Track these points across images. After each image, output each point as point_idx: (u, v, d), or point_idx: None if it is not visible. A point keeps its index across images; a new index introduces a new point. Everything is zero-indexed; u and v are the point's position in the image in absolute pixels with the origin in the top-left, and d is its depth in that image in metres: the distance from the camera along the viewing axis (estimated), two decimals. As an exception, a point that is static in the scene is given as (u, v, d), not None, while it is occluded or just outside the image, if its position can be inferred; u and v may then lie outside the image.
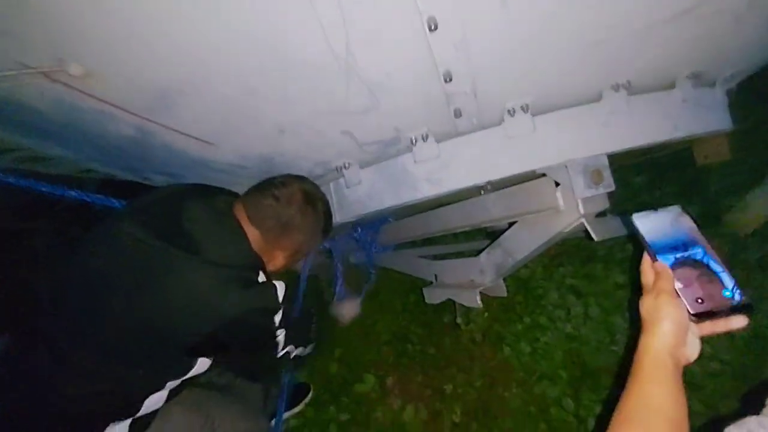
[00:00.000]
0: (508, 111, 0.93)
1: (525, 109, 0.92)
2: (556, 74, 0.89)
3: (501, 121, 0.96)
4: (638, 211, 0.67)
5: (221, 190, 1.07)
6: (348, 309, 1.58)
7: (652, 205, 0.68)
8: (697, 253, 0.61)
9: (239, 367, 1.42)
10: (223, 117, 0.96)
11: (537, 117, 0.95)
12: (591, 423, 1.45)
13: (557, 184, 1.04)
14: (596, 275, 1.83)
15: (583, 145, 0.97)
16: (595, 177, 0.91)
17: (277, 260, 1.03)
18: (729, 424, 0.59)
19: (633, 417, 0.54)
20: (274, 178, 1.03)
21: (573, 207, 1.00)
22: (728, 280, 0.58)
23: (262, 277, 0.95)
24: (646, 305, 0.60)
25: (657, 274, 0.62)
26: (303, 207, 0.99)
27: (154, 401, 0.96)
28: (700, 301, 0.57)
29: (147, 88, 0.87)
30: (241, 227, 0.95)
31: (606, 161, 0.94)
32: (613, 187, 0.94)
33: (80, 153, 1.25)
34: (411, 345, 1.84)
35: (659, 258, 0.62)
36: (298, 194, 1.00)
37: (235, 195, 1.06)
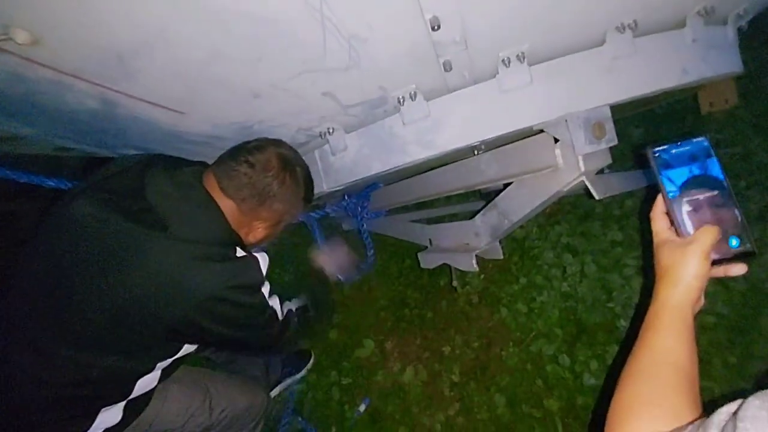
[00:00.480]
0: (503, 61, 0.85)
1: (521, 58, 0.84)
2: (554, 15, 0.80)
3: (495, 74, 0.88)
4: (657, 144, 0.59)
5: (187, 161, 0.99)
6: (337, 257, 1.40)
7: (674, 139, 0.59)
8: (715, 179, 0.56)
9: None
10: (188, 82, 0.87)
11: (534, 67, 0.88)
12: (586, 378, 1.48)
13: (556, 141, 0.98)
14: (593, 233, 1.81)
15: (584, 96, 0.89)
16: (596, 131, 0.85)
17: (256, 232, 0.96)
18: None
19: (648, 369, 0.52)
20: (247, 142, 0.94)
21: (573, 164, 0.95)
22: (739, 223, 0.54)
23: (240, 253, 0.88)
24: (667, 253, 0.55)
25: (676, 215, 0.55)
26: (281, 173, 0.92)
27: (146, 382, 0.93)
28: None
29: (100, 52, 0.79)
30: (212, 199, 0.88)
31: (609, 113, 0.88)
32: (615, 141, 0.88)
33: (49, 130, 1.17)
34: (408, 309, 1.85)
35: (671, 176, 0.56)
36: (274, 159, 0.92)
37: (205, 165, 0.98)
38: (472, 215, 1.42)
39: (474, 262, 1.29)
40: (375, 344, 1.79)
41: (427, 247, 1.60)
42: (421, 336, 1.76)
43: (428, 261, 1.54)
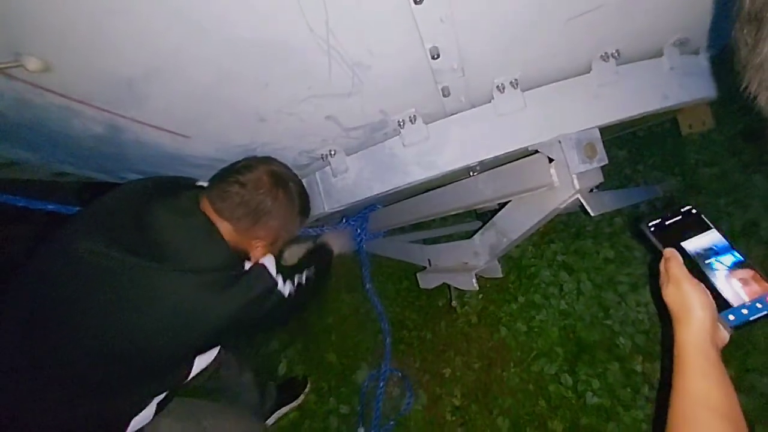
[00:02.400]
0: (498, 87, 0.90)
1: (514, 84, 0.89)
2: (544, 46, 0.86)
3: (490, 99, 0.93)
4: (647, 217, 0.66)
5: (184, 184, 0.99)
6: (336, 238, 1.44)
7: (656, 208, 0.68)
8: (736, 254, 0.60)
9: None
10: (196, 107, 0.90)
11: (527, 92, 0.93)
12: (589, 397, 1.47)
13: (550, 161, 1.02)
14: (586, 251, 1.85)
15: (575, 119, 0.95)
16: (588, 151, 0.89)
17: (256, 252, 0.96)
18: None
19: (688, 419, 0.52)
20: (237, 163, 0.95)
21: (568, 183, 0.99)
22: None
23: (246, 265, 0.90)
24: (671, 296, 0.58)
25: (666, 260, 0.60)
26: (273, 190, 0.92)
27: (141, 419, 0.89)
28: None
29: (111, 78, 0.81)
30: (212, 223, 0.88)
31: (599, 134, 0.93)
32: (606, 161, 0.93)
33: (50, 156, 1.17)
34: (407, 331, 1.83)
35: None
36: (265, 177, 0.92)
37: (200, 187, 0.99)
38: (469, 236, 1.45)
39: (474, 281, 1.30)
40: (372, 368, 1.75)
41: (425, 267, 1.60)
42: (420, 358, 1.74)
43: (427, 281, 1.54)
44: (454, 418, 1.55)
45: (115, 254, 0.80)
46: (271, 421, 1.59)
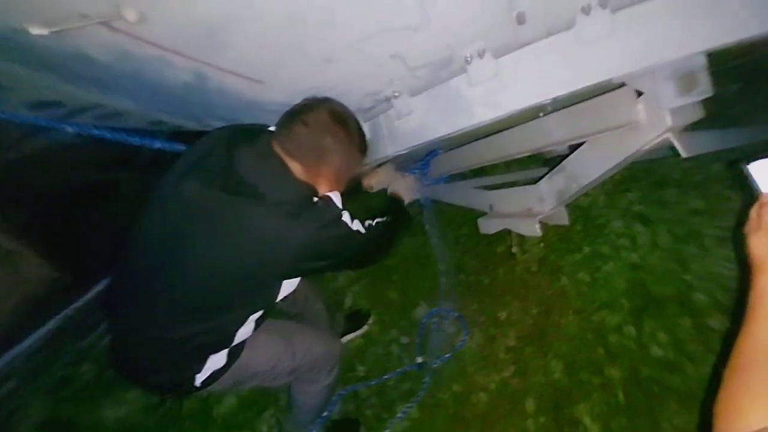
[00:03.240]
0: (582, 9, 0.80)
1: (603, 4, 0.79)
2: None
3: (572, 24, 0.84)
4: (751, 157, 0.61)
5: (258, 130, 1.07)
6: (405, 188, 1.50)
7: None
8: None
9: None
10: (269, 52, 0.94)
11: (616, 14, 0.81)
12: (654, 349, 1.43)
13: (638, 95, 0.92)
14: (669, 201, 1.69)
15: (675, 43, 0.79)
16: (687, 82, 0.78)
17: (322, 188, 1.04)
18: None
19: (754, 360, 0.52)
20: (298, 104, 1.02)
21: (658, 120, 0.88)
22: None
23: (316, 198, 1.00)
24: (759, 245, 0.56)
25: (762, 205, 0.57)
26: (333, 128, 0.98)
27: (243, 333, 1.08)
28: None
29: (196, 28, 0.87)
30: (284, 163, 0.97)
31: (704, 61, 0.79)
32: (709, 92, 0.80)
33: (148, 104, 1.32)
34: (465, 275, 1.88)
35: None
36: (325, 116, 0.98)
37: (271, 132, 1.07)
38: (534, 182, 1.39)
39: (537, 227, 1.28)
40: (431, 307, 1.85)
41: (486, 213, 1.59)
42: (477, 301, 1.79)
43: (488, 226, 1.54)
44: (507, 356, 1.60)
45: (211, 193, 0.94)
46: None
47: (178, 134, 1.62)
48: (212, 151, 1.02)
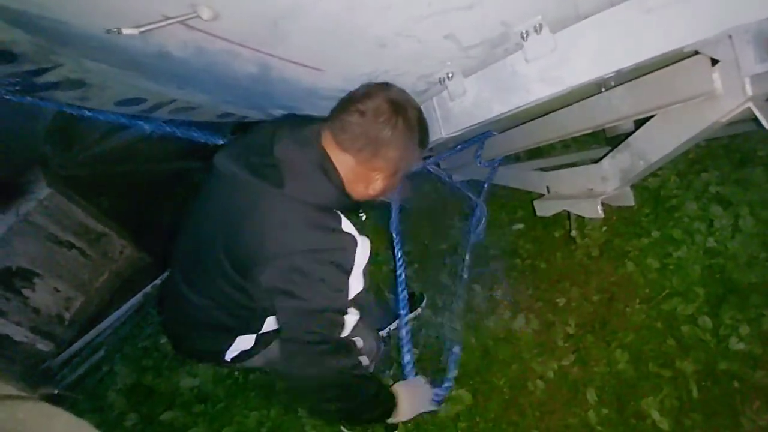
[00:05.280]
0: (650, -27, 0.75)
1: (674, -35, 0.73)
2: None
3: (638, -9, 0.79)
4: None
5: (315, 119, 1.03)
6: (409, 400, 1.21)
7: None
8: None
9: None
10: (327, 39, 0.98)
11: (691, -26, 0.75)
12: (733, 342, 1.31)
13: (713, 63, 0.85)
14: (753, 181, 1.53)
15: (756, 3, 0.72)
16: (773, 43, 0.71)
17: (375, 184, 0.95)
18: None
19: None
20: (356, 90, 0.93)
21: (737, 88, 0.80)
22: None
23: (346, 226, 0.90)
24: None
25: None
26: (392, 118, 0.88)
27: (272, 321, 1.05)
28: None
29: (262, 20, 0.93)
30: (327, 158, 0.89)
31: (792, 20, 0.72)
32: None
33: (218, 96, 1.44)
34: (520, 260, 1.83)
35: None
36: (384, 105, 0.88)
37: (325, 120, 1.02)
38: (595, 162, 1.32)
39: (599, 207, 1.22)
40: (484, 290, 1.83)
41: (543, 195, 1.54)
42: (533, 286, 1.74)
43: (545, 208, 1.48)
44: (566, 344, 1.55)
45: (241, 174, 0.90)
46: (393, 326, 1.83)
47: (244, 125, 1.75)
48: (260, 132, 0.99)
